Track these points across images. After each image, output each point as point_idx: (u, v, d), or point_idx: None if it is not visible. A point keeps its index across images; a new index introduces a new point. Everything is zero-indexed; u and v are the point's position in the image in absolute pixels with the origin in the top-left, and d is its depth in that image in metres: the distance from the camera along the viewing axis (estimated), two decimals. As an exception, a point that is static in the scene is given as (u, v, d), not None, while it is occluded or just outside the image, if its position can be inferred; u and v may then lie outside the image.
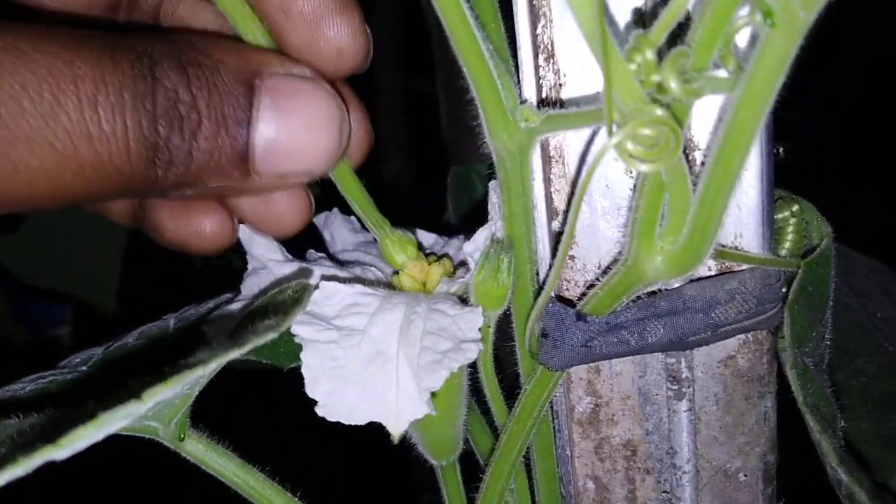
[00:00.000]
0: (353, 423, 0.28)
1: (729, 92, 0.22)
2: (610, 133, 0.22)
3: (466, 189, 0.48)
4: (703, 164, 0.28)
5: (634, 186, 0.30)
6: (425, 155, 0.84)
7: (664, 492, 0.34)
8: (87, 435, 0.19)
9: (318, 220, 0.40)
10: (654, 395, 0.33)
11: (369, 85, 0.89)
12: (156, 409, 0.29)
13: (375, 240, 0.39)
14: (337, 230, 0.39)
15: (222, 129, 0.26)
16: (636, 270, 0.27)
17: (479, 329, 0.29)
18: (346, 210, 0.42)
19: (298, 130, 0.28)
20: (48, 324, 1.09)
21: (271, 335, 0.23)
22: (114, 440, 0.27)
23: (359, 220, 0.40)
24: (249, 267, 0.35)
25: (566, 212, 0.30)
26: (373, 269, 0.35)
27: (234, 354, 0.22)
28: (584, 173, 0.28)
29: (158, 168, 0.25)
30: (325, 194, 0.38)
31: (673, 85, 0.21)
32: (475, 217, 0.37)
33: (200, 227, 0.33)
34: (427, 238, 0.38)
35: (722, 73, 0.23)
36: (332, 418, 0.28)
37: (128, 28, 0.33)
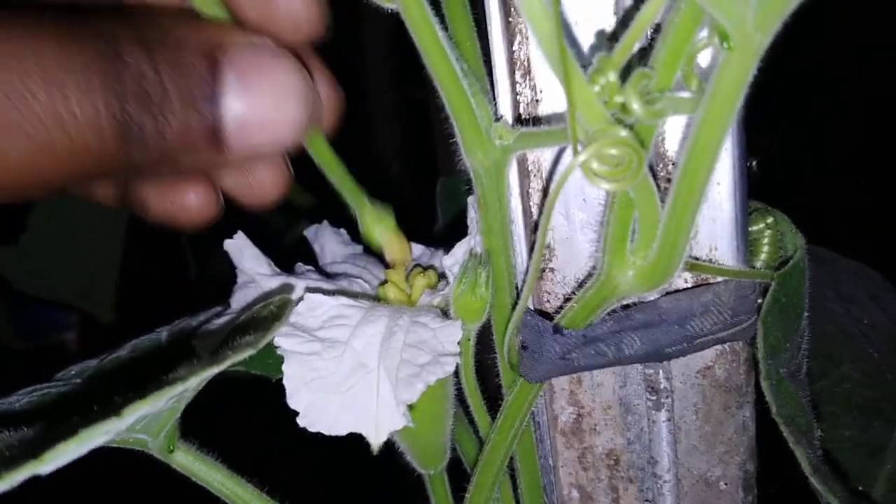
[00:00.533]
0: (333, 434, 0.28)
1: (691, 112, 0.23)
2: (575, 152, 0.23)
3: (455, 199, 0.49)
4: (669, 181, 0.28)
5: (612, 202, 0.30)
6: (418, 162, 0.84)
7: (646, 500, 0.34)
8: (69, 451, 0.20)
9: (309, 232, 0.41)
10: (634, 406, 0.33)
11: (362, 93, 0.90)
12: (144, 423, 0.29)
13: (364, 251, 0.40)
14: (327, 242, 0.40)
15: (190, 105, 0.26)
16: (609, 285, 0.27)
17: (459, 342, 0.30)
18: (337, 223, 0.42)
19: (265, 103, 0.28)
20: (53, 329, 1.10)
21: (249, 351, 0.24)
22: (107, 451, 0.27)
23: (349, 229, 0.41)
24: (239, 281, 0.36)
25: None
26: (359, 280, 0.36)
27: (213, 371, 0.23)
28: (551, 191, 0.29)
29: (131, 148, 0.26)
30: (319, 206, 0.39)
31: (635, 106, 0.22)
32: (465, 228, 0.38)
33: (186, 201, 0.33)
34: (415, 249, 0.39)
35: (686, 93, 0.23)
36: (312, 429, 0.28)
37: (89, 8, 0.34)
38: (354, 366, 0.29)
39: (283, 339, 0.29)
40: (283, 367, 0.29)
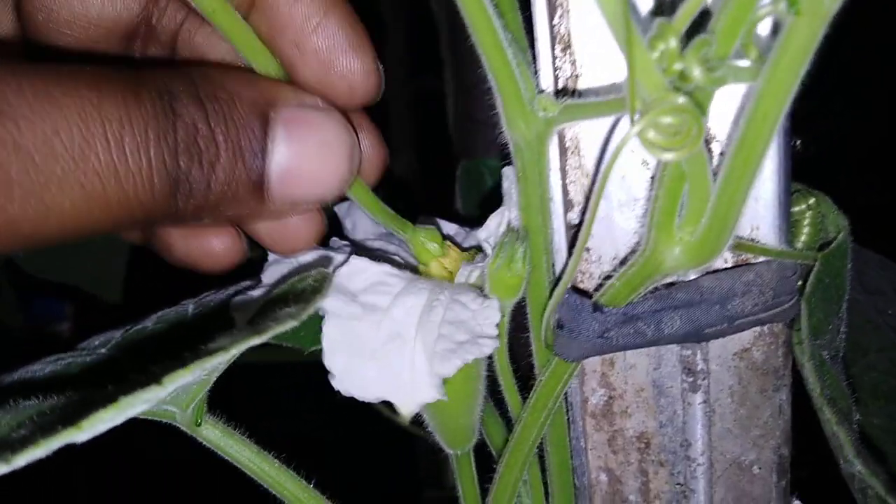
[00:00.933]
0: (365, 399, 0.28)
1: (752, 80, 0.22)
2: (632, 122, 0.22)
3: (476, 183, 0.48)
4: (721, 154, 0.28)
5: (651, 178, 0.30)
6: (432, 151, 0.84)
7: (678, 484, 0.34)
8: (107, 418, 0.19)
9: (340, 208, 0.40)
10: (668, 388, 0.33)
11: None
12: (174, 394, 0.29)
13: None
14: (359, 219, 0.39)
15: (239, 160, 0.27)
16: (654, 261, 0.27)
17: (497, 325, 0.29)
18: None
19: (310, 158, 0.29)
20: (49, 319, 1.09)
21: (291, 323, 0.23)
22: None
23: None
24: (270, 256, 0.35)
25: (585, 203, 0.30)
26: (396, 257, 0.35)
27: (255, 341, 0.23)
28: (604, 163, 0.28)
29: (179, 200, 0.26)
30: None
31: (696, 73, 0.21)
32: (485, 211, 0.37)
33: (210, 247, 0.34)
34: (450, 228, 0.38)
35: (744, 63, 0.23)
36: (345, 392, 0.28)
37: (145, 62, 0.34)
38: (392, 334, 0.28)
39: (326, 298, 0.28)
40: (323, 327, 0.28)
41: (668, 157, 0.22)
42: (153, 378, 0.21)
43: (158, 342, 0.32)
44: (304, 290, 0.26)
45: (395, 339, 0.28)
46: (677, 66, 0.22)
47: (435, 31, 0.69)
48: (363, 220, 0.38)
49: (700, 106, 0.23)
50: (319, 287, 0.26)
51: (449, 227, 0.38)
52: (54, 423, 0.19)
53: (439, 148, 0.76)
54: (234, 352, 0.22)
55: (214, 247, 0.34)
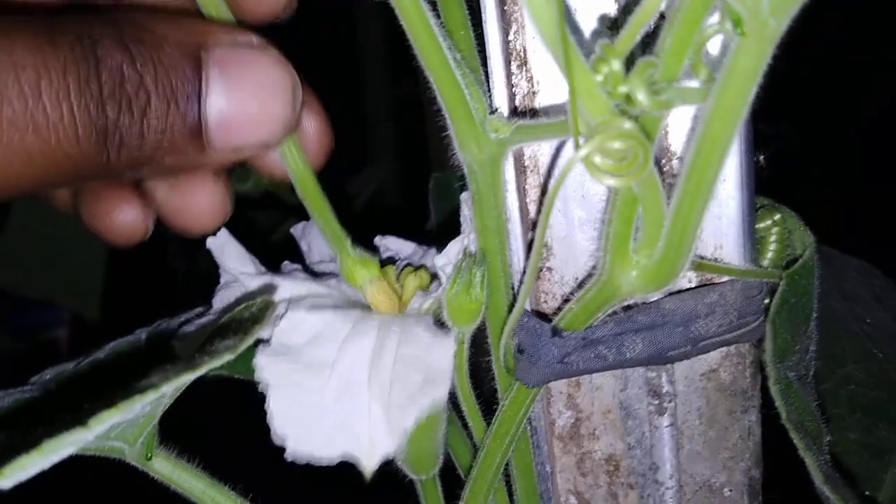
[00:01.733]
0: (324, 463, 0.27)
1: (700, 102, 0.21)
2: (577, 146, 0.21)
3: (447, 196, 0.47)
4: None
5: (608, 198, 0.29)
6: (412, 158, 0.83)
7: (647, 508, 0.33)
8: (30, 464, 0.19)
9: (296, 230, 0.39)
10: (635, 410, 0.32)
11: (356, 89, 0.88)
12: (119, 430, 0.28)
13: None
14: (314, 240, 0.38)
15: (172, 104, 0.26)
16: (611, 285, 0.26)
17: (454, 355, 0.28)
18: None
19: (250, 100, 0.27)
20: (44, 327, 1.07)
21: (227, 357, 0.22)
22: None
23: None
24: (222, 280, 0.34)
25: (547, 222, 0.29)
26: (348, 282, 0.34)
27: (188, 378, 0.22)
28: (550, 187, 0.27)
29: (110, 151, 0.25)
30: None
31: (641, 97, 0.20)
32: (458, 226, 0.36)
33: (113, 219, 0.33)
34: (405, 247, 0.37)
35: (694, 83, 0.22)
36: (301, 461, 0.27)
37: (69, 9, 0.33)
38: (342, 388, 0.27)
39: (264, 369, 0.27)
40: (268, 399, 0.27)
41: (615, 182, 0.21)
42: (79, 420, 0.21)
43: (105, 376, 0.31)
44: (246, 319, 0.25)
45: (346, 394, 0.27)
46: (622, 90, 0.21)
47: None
48: (318, 242, 0.37)
49: (648, 129, 0.22)
50: (260, 317, 0.25)
51: (406, 246, 0.37)
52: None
53: (418, 156, 0.76)
54: (168, 388, 0.21)
55: (118, 219, 0.33)
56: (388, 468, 0.35)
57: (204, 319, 0.32)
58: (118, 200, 0.33)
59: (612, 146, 0.21)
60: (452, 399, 0.34)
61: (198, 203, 0.33)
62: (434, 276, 0.34)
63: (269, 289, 0.30)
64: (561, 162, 0.27)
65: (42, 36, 0.24)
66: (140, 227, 0.34)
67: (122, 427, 0.28)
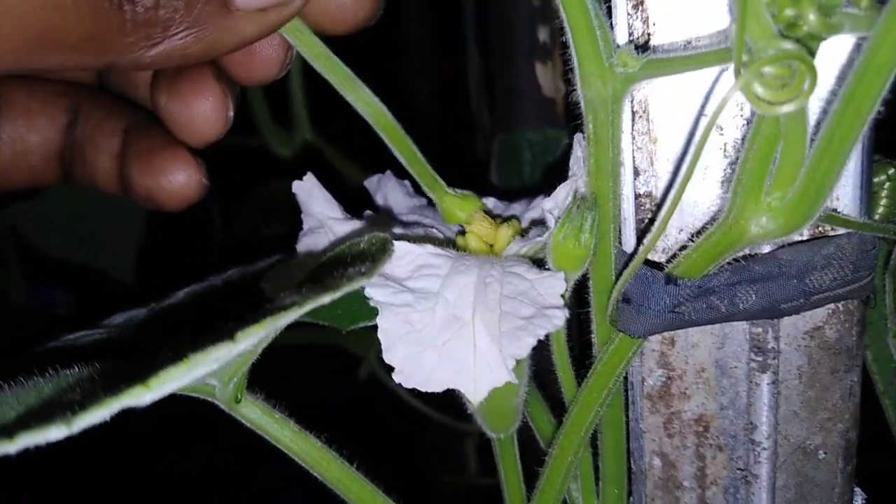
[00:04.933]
0: (430, 390, 0.26)
1: (868, 29, 0.20)
2: (738, 73, 0.20)
3: (514, 157, 0.46)
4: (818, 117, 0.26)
5: (723, 146, 0.28)
6: (453, 130, 0.82)
7: (738, 469, 0.32)
8: (177, 376, 0.18)
9: (370, 182, 0.38)
10: (731, 368, 0.31)
11: (400, 61, 0.87)
12: (217, 368, 0.27)
13: (431, 203, 0.38)
14: (391, 193, 0.37)
15: None
16: (738, 229, 0.25)
17: (562, 295, 0.27)
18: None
19: None
20: (46, 305, 1.07)
21: (363, 281, 0.22)
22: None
23: (412, 182, 0.39)
24: (305, 227, 0.33)
25: (651, 170, 0.29)
26: (434, 230, 0.34)
27: (328, 298, 0.21)
28: (702, 124, 0.26)
29: (127, 19, 0.25)
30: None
31: (812, 17, 0.20)
32: (523, 185, 0.35)
33: (168, 181, 0.33)
34: (487, 201, 0.36)
35: (854, 10, 0.21)
36: (408, 384, 0.26)
37: None
38: (448, 318, 0.26)
39: (373, 289, 0.27)
40: (378, 320, 0.26)
41: (778, 111, 0.20)
42: (226, 334, 0.20)
43: (199, 312, 0.30)
44: (365, 251, 0.25)
45: (452, 324, 0.27)
46: (789, 12, 0.20)
47: (458, 7, 0.68)
48: (395, 194, 0.36)
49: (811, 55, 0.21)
50: (384, 246, 0.24)
51: (487, 201, 0.36)
52: (117, 384, 0.17)
53: (460, 124, 0.75)
54: (307, 308, 0.21)
55: (173, 180, 0.32)
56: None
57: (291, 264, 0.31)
58: (170, 160, 0.33)
59: (772, 72, 0.20)
60: (532, 357, 0.34)
61: (200, 108, 0.32)
62: (524, 229, 0.33)
63: (371, 229, 0.29)
64: (713, 99, 0.26)
65: None
66: (193, 188, 0.33)
67: (219, 365, 0.27)
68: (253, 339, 0.19)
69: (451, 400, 0.31)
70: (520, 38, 0.49)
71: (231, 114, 0.33)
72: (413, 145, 0.32)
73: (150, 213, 0.67)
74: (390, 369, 0.26)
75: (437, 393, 0.27)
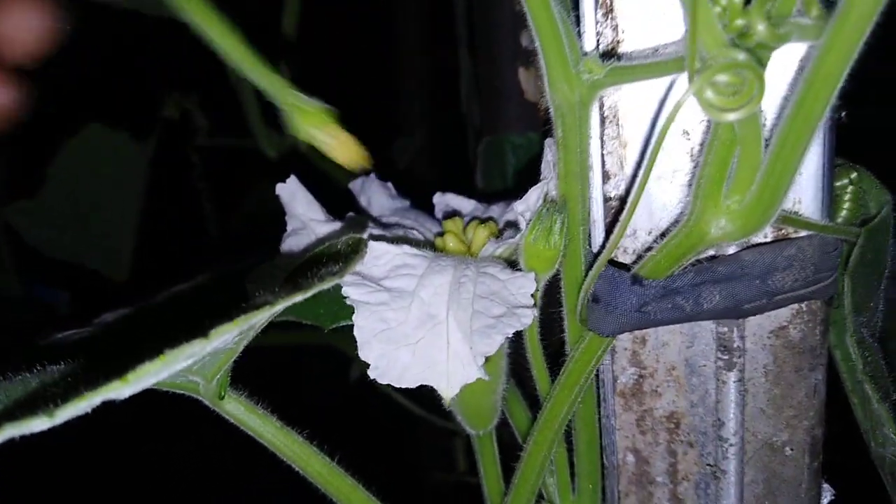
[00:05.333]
0: (403, 386, 0.27)
1: (815, 39, 0.21)
2: (691, 79, 0.21)
3: (498, 158, 0.47)
4: (774, 122, 0.27)
5: (691, 149, 0.29)
6: (445, 131, 0.83)
7: (708, 465, 0.33)
8: (153, 371, 0.19)
9: (355, 185, 0.39)
10: (700, 367, 0.32)
11: (392, 61, 0.88)
12: (199, 365, 0.28)
13: (413, 205, 0.39)
14: (374, 195, 0.38)
15: None
16: (699, 231, 0.26)
17: (532, 295, 0.28)
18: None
19: None
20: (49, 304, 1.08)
21: (334, 280, 0.23)
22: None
23: (395, 184, 0.40)
24: (289, 227, 0.34)
25: (622, 174, 0.30)
26: (414, 232, 0.35)
27: (299, 298, 0.22)
28: (658, 127, 0.27)
29: None
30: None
31: (760, 28, 0.21)
32: (506, 186, 0.36)
33: None
34: (466, 204, 0.37)
35: (806, 21, 0.22)
36: (383, 381, 0.27)
37: None
38: (423, 316, 0.27)
39: (350, 288, 0.28)
40: (354, 318, 0.27)
41: (728, 117, 0.21)
42: (200, 332, 0.21)
43: (174, 313, 0.31)
44: (339, 252, 0.25)
45: (426, 322, 0.28)
46: (739, 22, 0.21)
47: (450, 5, 0.69)
48: (378, 197, 0.37)
49: (760, 65, 0.22)
50: (357, 248, 0.25)
51: (466, 203, 0.37)
52: (97, 378, 0.18)
53: (452, 128, 0.75)
54: (279, 308, 0.22)
55: None
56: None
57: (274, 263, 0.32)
58: None
59: (724, 80, 0.21)
60: (509, 355, 0.35)
61: (16, 23, 0.32)
62: (501, 230, 0.34)
63: (349, 230, 0.30)
64: (666, 105, 0.27)
65: None
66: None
67: (202, 362, 0.28)
68: (227, 337, 0.20)
69: (440, 399, 0.32)
70: (504, 42, 0.50)
71: (53, 29, 0.33)
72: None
73: (146, 212, 0.68)
74: (367, 366, 0.27)
75: (429, 392, 0.28)
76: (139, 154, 0.69)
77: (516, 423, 0.37)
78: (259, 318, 0.21)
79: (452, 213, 0.37)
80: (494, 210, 0.36)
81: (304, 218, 0.33)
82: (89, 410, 0.19)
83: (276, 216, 0.36)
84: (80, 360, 0.25)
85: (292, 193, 0.33)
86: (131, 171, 0.69)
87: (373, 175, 0.39)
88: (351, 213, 0.36)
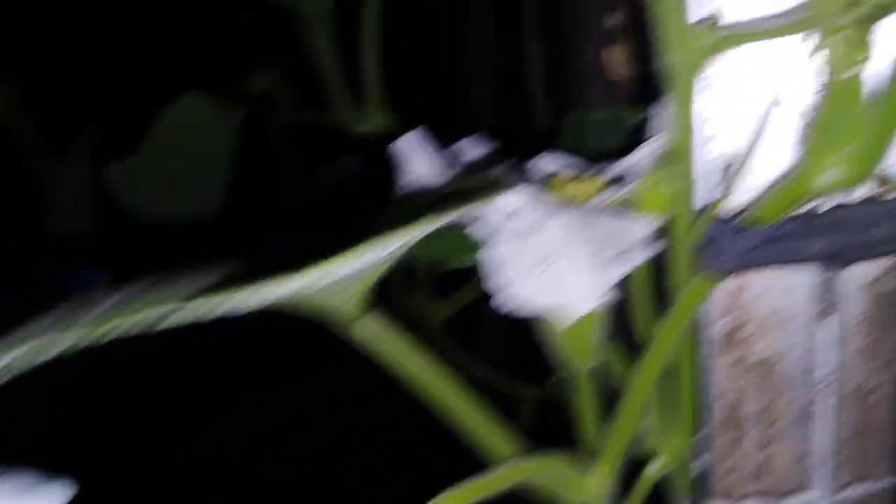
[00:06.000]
0: (526, 314, 0.30)
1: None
2: (816, 38, 0.23)
3: (580, 135, 0.49)
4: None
5: (795, 111, 0.31)
6: (510, 119, 0.85)
7: (800, 408, 0.35)
8: (329, 269, 0.21)
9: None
10: (797, 314, 0.34)
11: (458, 52, 0.90)
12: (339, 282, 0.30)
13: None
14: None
15: None
16: (806, 180, 0.28)
17: (646, 236, 0.31)
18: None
19: None
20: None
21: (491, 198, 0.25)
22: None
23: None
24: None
25: (721, 133, 0.32)
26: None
27: (462, 210, 0.25)
28: (765, 89, 0.29)
29: None
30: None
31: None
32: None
33: None
34: (566, 160, 0.40)
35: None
36: (507, 307, 0.30)
37: None
38: (546, 250, 0.30)
39: (477, 227, 0.30)
40: (480, 254, 0.30)
41: (846, 74, 0.24)
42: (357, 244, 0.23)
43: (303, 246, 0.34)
44: (478, 186, 0.28)
45: (547, 258, 0.30)
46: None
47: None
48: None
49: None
50: (493, 187, 0.28)
51: (565, 161, 0.40)
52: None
53: (518, 116, 0.78)
54: (435, 225, 0.24)
55: None
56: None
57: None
58: None
59: (841, 39, 0.24)
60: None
61: None
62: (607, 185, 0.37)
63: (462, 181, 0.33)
64: (772, 66, 0.29)
65: None
66: None
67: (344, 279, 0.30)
68: (381, 254, 0.23)
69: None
70: (587, 23, 0.52)
71: None
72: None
73: (229, 181, 0.72)
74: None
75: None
76: (227, 123, 0.73)
77: (611, 365, 0.39)
78: (417, 234, 0.24)
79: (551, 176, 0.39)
80: (592, 171, 0.39)
81: (421, 173, 0.36)
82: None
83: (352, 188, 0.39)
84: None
85: (412, 148, 0.36)
86: (220, 139, 0.72)
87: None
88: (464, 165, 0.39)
